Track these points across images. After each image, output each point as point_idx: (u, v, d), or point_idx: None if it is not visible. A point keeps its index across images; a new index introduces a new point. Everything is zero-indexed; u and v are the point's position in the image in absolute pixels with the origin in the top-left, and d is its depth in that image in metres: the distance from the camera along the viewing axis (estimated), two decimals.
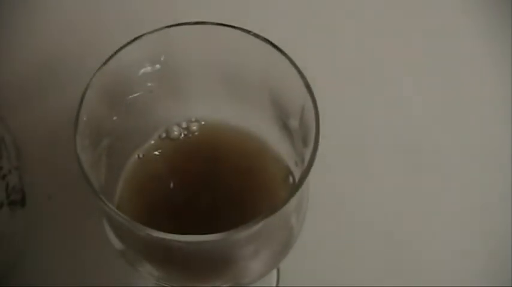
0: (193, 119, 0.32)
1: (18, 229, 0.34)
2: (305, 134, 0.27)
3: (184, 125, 0.32)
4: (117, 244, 0.28)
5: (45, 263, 0.34)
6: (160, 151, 0.32)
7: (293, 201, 0.25)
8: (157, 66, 0.29)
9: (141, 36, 0.27)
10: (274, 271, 0.35)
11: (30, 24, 0.41)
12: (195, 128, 0.32)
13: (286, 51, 0.26)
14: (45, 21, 0.41)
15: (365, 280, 0.32)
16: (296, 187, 0.24)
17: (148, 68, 0.29)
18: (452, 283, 0.31)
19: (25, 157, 0.35)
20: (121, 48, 0.27)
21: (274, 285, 0.35)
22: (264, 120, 0.31)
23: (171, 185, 0.31)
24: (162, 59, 0.29)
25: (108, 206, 0.24)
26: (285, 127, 0.29)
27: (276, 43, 0.27)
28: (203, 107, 0.32)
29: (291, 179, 0.30)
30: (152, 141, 0.32)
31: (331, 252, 0.34)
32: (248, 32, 0.27)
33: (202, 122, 0.32)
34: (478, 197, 0.34)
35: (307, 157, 0.25)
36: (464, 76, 0.39)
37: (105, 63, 0.27)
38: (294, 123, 0.28)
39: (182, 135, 0.32)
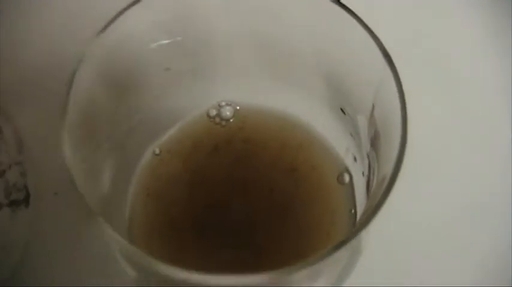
0: (223, 103, 0.30)
1: (21, 232, 0.32)
2: (377, 127, 0.23)
3: (213, 111, 0.30)
4: (129, 271, 0.25)
5: (51, 267, 0.32)
6: (182, 145, 0.30)
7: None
8: (176, 35, 0.26)
9: None
10: None
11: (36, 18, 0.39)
12: (228, 114, 0.30)
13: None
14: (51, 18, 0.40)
15: None
16: (374, 209, 0.20)
17: (163, 38, 0.25)
18: (452, 283, 0.31)
19: (28, 151, 0.33)
20: (124, 10, 0.23)
21: None
22: (314, 104, 0.28)
23: (197, 188, 0.29)
24: (180, 25, 0.25)
25: (114, 234, 0.20)
26: (343, 111, 0.27)
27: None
28: (237, 89, 0.30)
29: (346, 178, 0.28)
30: (171, 134, 0.30)
31: None
32: None
33: (237, 107, 0.30)
34: (478, 197, 0.33)
35: (387, 167, 0.21)
36: None
37: (102, 30, 0.22)
38: (356, 107, 0.26)
39: (211, 124, 0.30)
